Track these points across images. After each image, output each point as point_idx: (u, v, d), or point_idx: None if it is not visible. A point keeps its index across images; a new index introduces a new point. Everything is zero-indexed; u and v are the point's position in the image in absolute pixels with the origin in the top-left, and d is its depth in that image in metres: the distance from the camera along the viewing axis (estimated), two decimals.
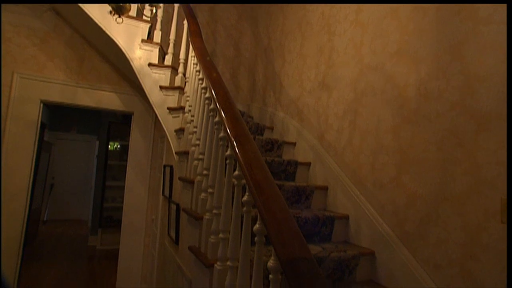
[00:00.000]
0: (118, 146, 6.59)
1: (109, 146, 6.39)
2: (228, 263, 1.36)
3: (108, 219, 6.09)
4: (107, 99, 3.68)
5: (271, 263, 1.01)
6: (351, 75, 2.42)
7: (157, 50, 3.06)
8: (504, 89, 1.45)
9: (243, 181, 1.29)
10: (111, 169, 6.29)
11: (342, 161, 2.39)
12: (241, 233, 1.30)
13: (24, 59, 3.28)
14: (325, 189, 2.44)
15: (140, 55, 2.98)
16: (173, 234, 2.42)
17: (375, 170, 2.10)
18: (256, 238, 1.14)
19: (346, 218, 2.20)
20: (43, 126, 4.05)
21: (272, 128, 3.37)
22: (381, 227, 1.97)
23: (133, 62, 2.95)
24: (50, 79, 3.38)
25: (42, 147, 5.04)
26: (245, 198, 1.25)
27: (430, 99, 1.79)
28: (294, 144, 2.95)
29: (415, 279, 1.72)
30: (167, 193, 2.80)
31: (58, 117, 7.76)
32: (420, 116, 1.84)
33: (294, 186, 2.27)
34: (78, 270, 4.66)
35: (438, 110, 1.74)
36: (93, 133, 8.12)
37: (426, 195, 1.75)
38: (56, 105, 3.71)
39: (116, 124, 6.37)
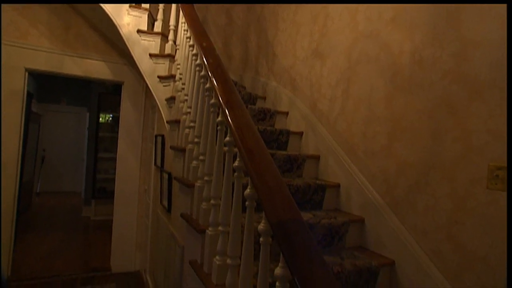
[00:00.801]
0: (110, 118, 6.50)
1: (100, 118, 6.30)
2: (220, 228, 1.38)
3: (101, 190, 6.12)
4: (96, 68, 3.58)
5: (261, 226, 1.02)
6: (345, 43, 2.37)
7: (146, 16, 2.95)
8: (499, 55, 1.43)
9: (235, 149, 1.28)
10: (103, 141, 6.24)
11: (334, 130, 2.39)
12: (232, 199, 1.30)
13: (4, 24, 3.13)
14: (317, 158, 2.45)
15: (129, 21, 2.87)
16: (165, 203, 2.43)
17: (367, 138, 2.10)
18: (247, 203, 1.15)
19: (337, 186, 2.23)
20: (30, 96, 3.95)
21: (264, 98, 3.33)
22: (371, 195, 2.00)
23: (121, 29, 2.84)
24: (34, 46, 3.26)
25: (31, 118, 4.95)
26: (236, 163, 1.25)
27: (424, 67, 1.77)
28: (286, 113, 2.93)
29: (402, 244, 1.77)
30: (159, 162, 2.79)
31: (46, 88, 7.58)
32: (413, 85, 1.83)
33: (286, 155, 2.27)
34: (73, 240, 4.72)
35: (432, 78, 1.73)
36: (83, 104, 7.98)
37: (416, 163, 1.77)
38: (43, 75, 3.61)
39: (106, 95, 6.25)
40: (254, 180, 1.05)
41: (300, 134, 2.69)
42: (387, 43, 2.01)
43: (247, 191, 1.13)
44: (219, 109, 1.51)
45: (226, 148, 1.39)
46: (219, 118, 1.49)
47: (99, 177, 6.10)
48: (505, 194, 1.38)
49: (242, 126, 1.23)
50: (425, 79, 1.76)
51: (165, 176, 2.42)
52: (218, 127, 1.52)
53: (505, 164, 1.38)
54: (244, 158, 1.12)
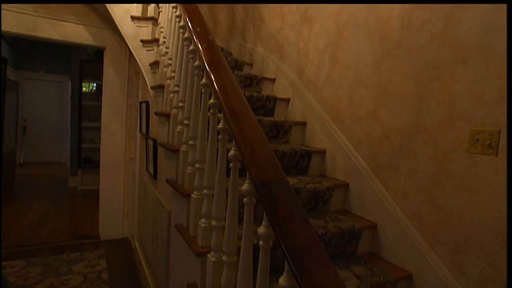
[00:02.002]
0: (94, 88, 6.30)
1: (84, 88, 6.10)
2: (205, 191, 1.38)
3: (87, 160, 6.05)
4: (74, 32, 3.40)
5: (245, 186, 1.02)
6: (334, 6, 2.30)
7: None
8: (487, 19, 1.41)
9: (220, 115, 1.25)
10: (87, 110, 6.09)
11: (321, 97, 2.37)
12: (216, 162, 1.30)
13: None
14: (303, 124, 2.45)
15: None
16: (151, 170, 2.42)
17: (353, 104, 2.10)
18: (231, 164, 1.14)
19: (323, 152, 2.24)
20: (4, 62, 3.75)
21: (251, 64, 3.26)
22: (356, 160, 2.02)
23: None
24: (2, 5, 3.04)
25: (7, 85, 4.75)
26: (220, 125, 1.23)
27: (413, 30, 1.74)
28: (273, 80, 2.88)
29: (384, 207, 1.82)
30: (144, 129, 2.75)
31: (22, 55, 7.25)
32: (401, 49, 1.80)
33: (273, 121, 2.26)
34: (60, 209, 4.71)
35: (420, 42, 1.71)
36: (64, 72, 7.69)
37: (401, 128, 1.78)
38: (17, 40, 3.41)
39: (88, 63, 6.02)
40: (237, 140, 1.03)
41: (287, 100, 2.67)
42: (376, 6, 1.96)
43: (231, 152, 1.12)
44: (203, 72, 1.46)
45: (210, 111, 1.37)
46: (203, 81, 1.45)
47: (84, 147, 6.01)
48: (484, 157, 1.41)
49: (226, 86, 1.20)
50: (413, 44, 1.74)
51: (150, 143, 2.39)
52: (202, 90, 1.48)
53: (486, 128, 1.40)
54: (228, 118, 1.10)
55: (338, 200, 2.05)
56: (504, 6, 1.36)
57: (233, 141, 1.11)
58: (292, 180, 1.93)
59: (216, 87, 1.23)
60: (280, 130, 2.31)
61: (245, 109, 1.13)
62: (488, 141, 1.41)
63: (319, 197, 1.94)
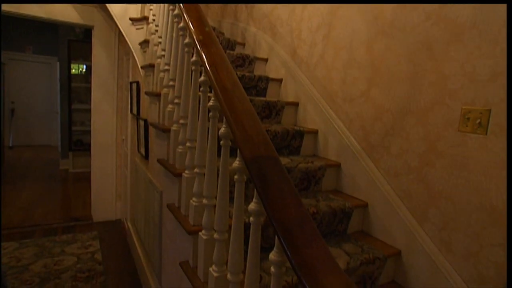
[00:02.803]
0: (84, 70, 6.16)
1: (73, 69, 5.96)
2: (196, 170, 1.37)
3: (78, 142, 5.98)
4: (61, 10, 3.29)
5: (236, 163, 1.02)
6: None
7: None
8: None
9: (211, 94, 1.23)
10: (77, 92, 5.97)
11: (313, 77, 2.35)
12: (207, 140, 1.28)
13: None
14: (295, 105, 2.43)
15: None
16: (142, 150, 2.40)
17: (346, 84, 2.08)
18: (222, 142, 1.14)
19: (315, 132, 2.24)
20: None
21: (243, 44, 3.21)
22: (348, 140, 2.03)
23: None
24: None
25: None
26: (211, 103, 1.21)
27: (407, 8, 1.71)
28: (266, 60, 2.84)
29: (375, 187, 1.84)
30: (135, 110, 2.71)
31: (7, 35, 7.02)
32: (395, 28, 1.78)
33: (265, 101, 2.24)
34: (52, 192, 4.68)
35: (414, 20, 1.68)
36: (52, 53, 7.48)
37: (393, 108, 1.78)
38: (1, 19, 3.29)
39: (76, 43, 5.86)
40: (228, 118, 1.02)
41: (280, 81, 2.64)
42: None
43: (222, 130, 1.11)
44: (193, 49, 1.43)
45: (201, 89, 1.35)
46: (194, 58, 1.42)
47: (75, 130, 5.93)
48: (474, 136, 1.42)
49: (216, 63, 1.17)
50: (407, 22, 1.71)
51: (141, 123, 2.36)
52: (193, 68, 1.45)
53: (477, 107, 1.40)
54: (218, 95, 1.08)
55: (330, 180, 2.06)
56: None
57: (224, 118, 1.09)
58: (284, 160, 1.93)
59: (206, 64, 1.20)
60: (272, 110, 2.30)
61: (236, 86, 1.11)
62: (479, 120, 1.41)
63: (311, 176, 1.95)
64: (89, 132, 3.83)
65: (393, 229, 1.74)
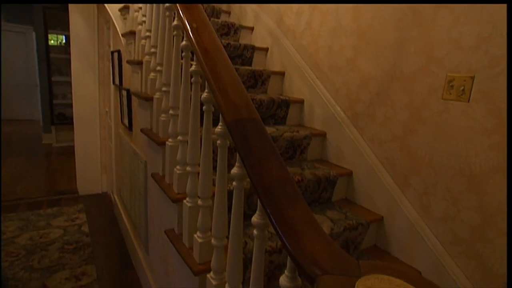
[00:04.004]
0: (63, 41, 5.89)
1: (52, 40, 5.69)
2: (179, 138, 1.35)
3: (61, 116, 5.82)
4: None
5: (218, 128, 1.00)
6: None
7: None
8: None
9: (195, 66, 1.19)
10: (56, 64, 5.74)
11: (300, 45, 2.30)
12: (190, 107, 1.26)
13: None
14: (282, 74, 2.40)
15: None
16: (126, 121, 2.35)
17: (332, 52, 2.05)
18: (204, 108, 1.11)
19: (301, 102, 2.23)
20: None
21: (229, 12, 3.10)
22: (334, 109, 2.02)
23: None
24: None
25: None
26: (193, 68, 1.18)
27: None
28: (251, 29, 2.77)
29: (360, 155, 1.86)
30: (117, 81, 2.63)
31: None
32: None
33: (250, 70, 2.20)
34: (35, 166, 4.60)
35: None
36: (26, 22, 7.11)
37: (379, 76, 1.77)
38: None
39: (53, 10, 5.55)
40: (210, 81, 0.99)
41: (266, 50, 2.58)
42: None
43: (204, 94, 1.08)
44: (174, 14, 1.37)
45: (183, 54, 1.30)
46: (175, 22, 1.37)
47: (56, 103, 5.74)
48: (457, 103, 1.43)
49: (198, 25, 1.13)
50: None
51: (124, 93, 2.29)
52: (175, 33, 1.39)
53: (461, 74, 1.40)
54: (200, 59, 1.05)
55: (315, 149, 2.07)
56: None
57: (206, 83, 1.06)
58: (269, 129, 1.93)
59: (188, 27, 1.15)
60: (258, 80, 2.26)
61: (218, 49, 1.08)
62: (462, 87, 1.42)
63: (297, 146, 1.95)
64: (71, 105, 3.72)
65: (376, 196, 1.78)
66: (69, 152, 5.20)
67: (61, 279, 2.19)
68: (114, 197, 3.28)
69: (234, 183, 0.95)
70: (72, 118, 3.62)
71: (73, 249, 2.57)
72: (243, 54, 2.44)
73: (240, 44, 2.40)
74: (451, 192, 1.44)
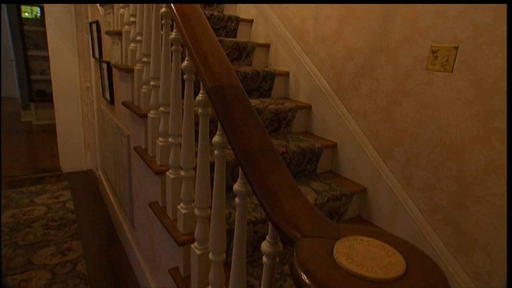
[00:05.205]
0: (39, 13, 5.60)
1: (26, 13, 5.40)
2: (161, 109, 1.32)
3: (40, 93, 5.64)
4: None
5: (199, 97, 0.98)
6: None
7: None
8: None
9: (175, 33, 1.13)
10: (32, 37, 5.48)
11: (285, 17, 2.25)
12: (171, 78, 1.22)
13: None
14: (267, 46, 2.35)
15: None
16: (107, 95, 2.29)
17: (318, 24, 2.01)
18: (185, 76, 1.08)
19: (286, 74, 2.20)
20: None
21: None
22: (319, 82, 2.01)
23: None
24: None
25: None
26: (172, 35, 1.13)
27: None
28: None
29: (345, 127, 1.87)
30: (97, 53, 2.53)
31: None
32: None
33: (235, 42, 2.14)
34: (15, 144, 4.48)
35: None
36: None
37: (365, 47, 1.75)
38: None
39: None
40: (189, 47, 0.96)
41: (250, 21, 2.52)
42: None
43: (185, 63, 1.05)
44: None
45: (163, 21, 1.25)
46: None
47: (34, 79, 5.54)
48: (440, 74, 1.43)
49: None
50: None
51: (104, 66, 2.21)
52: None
53: (445, 44, 1.40)
54: (179, 25, 1.01)
55: (301, 121, 2.07)
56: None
57: (186, 51, 1.03)
58: (254, 102, 1.90)
59: None
60: (242, 52, 2.21)
61: (198, 15, 1.03)
62: (446, 58, 1.42)
63: (281, 118, 1.94)
64: (51, 81, 3.59)
65: (360, 167, 1.80)
66: (50, 130, 5.07)
67: (46, 255, 2.18)
68: (99, 174, 3.24)
69: (215, 151, 0.93)
70: (52, 95, 3.51)
71: (58, 226, 2.55)
72: (227, 26, 2.37)
73: (224, 15, 2.33)
74: (432, 162, 1.47)
